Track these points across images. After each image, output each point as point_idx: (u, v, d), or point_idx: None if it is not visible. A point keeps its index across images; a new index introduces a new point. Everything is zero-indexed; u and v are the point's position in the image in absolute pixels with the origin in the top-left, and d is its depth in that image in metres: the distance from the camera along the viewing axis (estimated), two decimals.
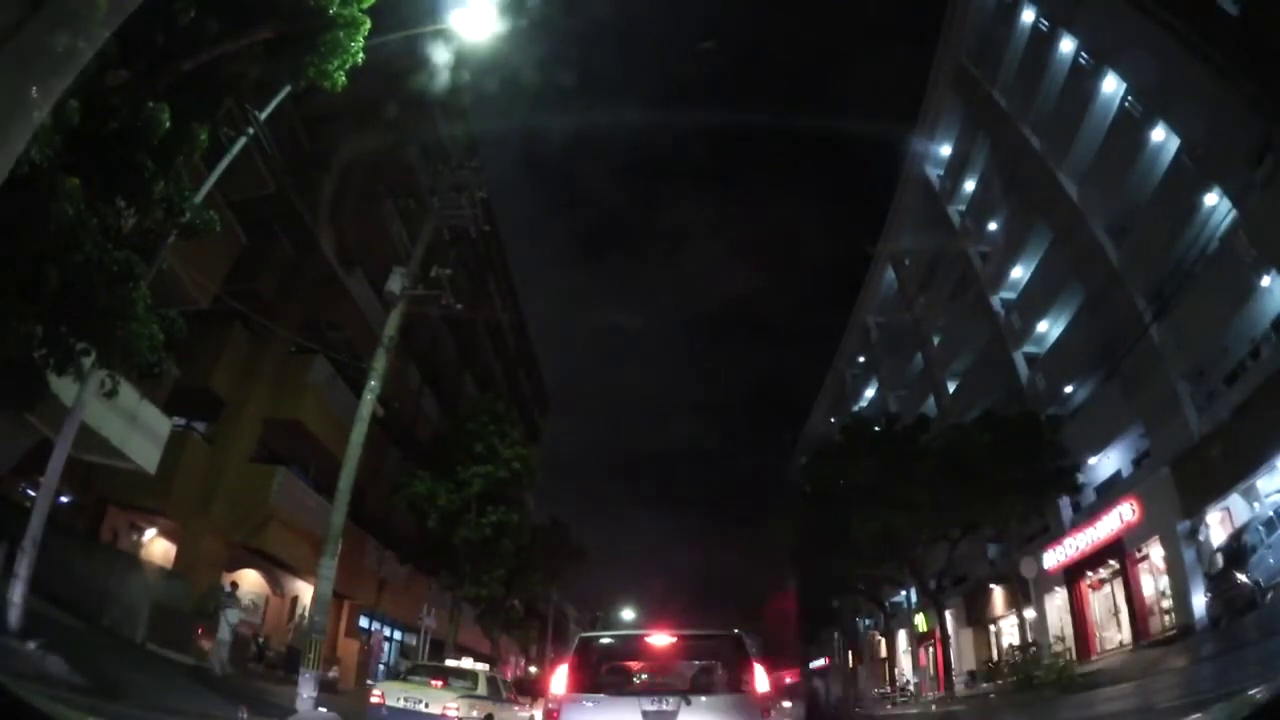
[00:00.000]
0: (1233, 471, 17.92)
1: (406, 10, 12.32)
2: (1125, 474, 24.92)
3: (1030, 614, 24.79)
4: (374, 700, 11.81)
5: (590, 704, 5.91)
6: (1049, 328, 28.82)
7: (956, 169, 36.97)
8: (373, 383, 13.96)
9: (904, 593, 34.70)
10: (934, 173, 39.88)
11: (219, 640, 14.79)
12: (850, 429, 28.45)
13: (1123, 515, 22.27)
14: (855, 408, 48.10)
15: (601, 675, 6.52)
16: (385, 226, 22.86)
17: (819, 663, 58.54)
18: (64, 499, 14.83)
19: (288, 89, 9.84)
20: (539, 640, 44.51)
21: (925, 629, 34.70)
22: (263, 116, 10.74)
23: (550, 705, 6.01)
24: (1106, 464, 25.74)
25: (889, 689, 35.57)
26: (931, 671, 34.60)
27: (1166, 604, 20.75)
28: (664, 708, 5.74)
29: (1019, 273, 30.74)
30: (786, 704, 30.00)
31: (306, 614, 17.31)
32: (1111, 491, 24.54)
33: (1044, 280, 28.60)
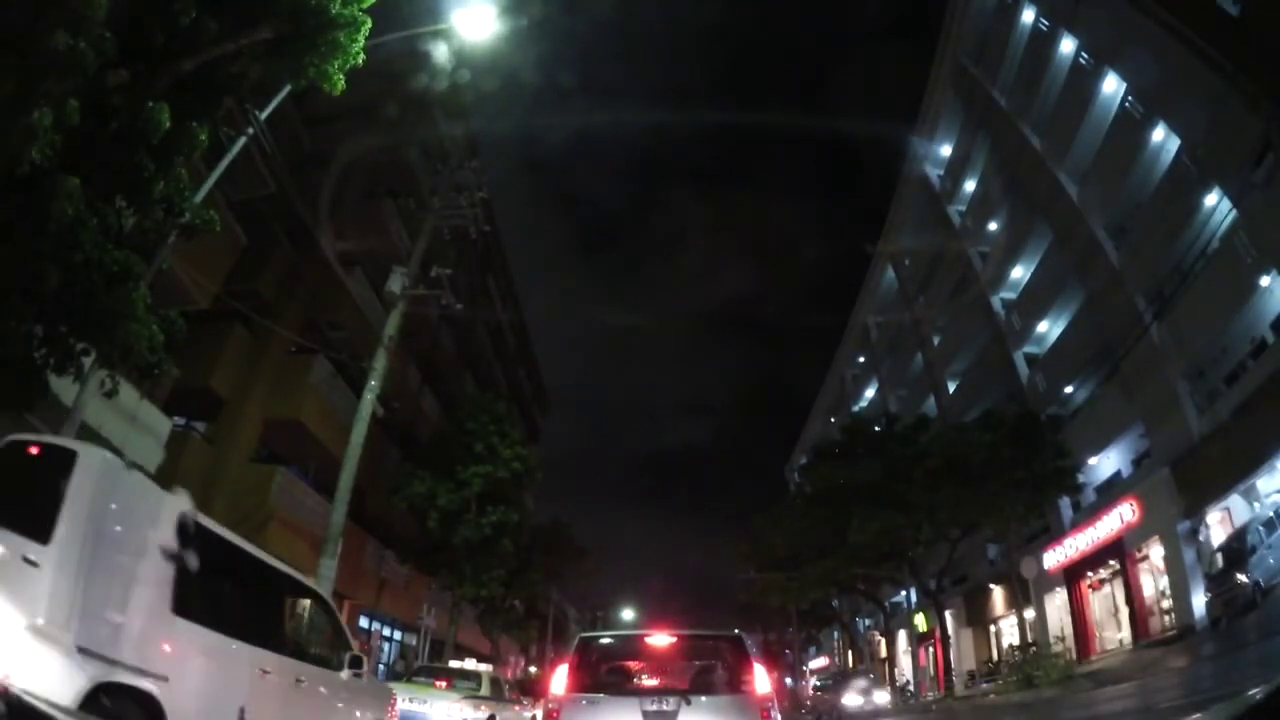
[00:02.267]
0: (1233, 471, 17.92)
1: (406, 10, 12.33)
2: (1125, 474, 24.93)
3: (1030, 614, 24.80)
4: None
5: (590, 704, 5.91)
6: (1049, 328, 28.82)
7: (956, 169, 36.96)
8: (373, 383, 13.97)
9: (904, 593, 34.71)
10: (934, 172, 39.88)
11: None
12: (850, 429, 28.46)
13: (1123, 515, 22.27)
14: (855, 408, 48.12)
15: (601, 675, 6.52)
16: (385, 226, 22.86)
17: (819, 662, 58.54)
18: None
19: (288, 89, 9.83)
20: (539, 640, 44.50)
21: (925, 629, 34.71)
22: (263, 116, 10.73)
23: (550, 705, 6.01)
24: (1106, 464, 25.75)
25: (889, 689, 35.50)
26: (931, 671, 34.63)
27: (1166, 604, 20.76)
28: (664, 708, 5.74)
29: (1019, 273, 30.75)
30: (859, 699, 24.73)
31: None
32: (1111, 491, 24.54)
33: (1044, 280, 28.60)
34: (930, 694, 32.12)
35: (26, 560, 3.84)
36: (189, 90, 7.21)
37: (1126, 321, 22.01)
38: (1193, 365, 20.76)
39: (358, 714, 6.45)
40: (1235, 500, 18.48)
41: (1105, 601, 24.58)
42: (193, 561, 4.52)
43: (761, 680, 6.09)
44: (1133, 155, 22.66)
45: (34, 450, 4.43)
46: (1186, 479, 19.73)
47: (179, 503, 4.55)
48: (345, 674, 6.29)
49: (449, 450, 23.19)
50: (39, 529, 3.92)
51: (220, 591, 5.16)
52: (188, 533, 4.53)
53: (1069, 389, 26.66)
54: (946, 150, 38.45)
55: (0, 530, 3.97)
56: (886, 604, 37.05)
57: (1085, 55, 25.19)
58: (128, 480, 4.41)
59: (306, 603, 6.51)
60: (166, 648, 4.36)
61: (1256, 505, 17.44)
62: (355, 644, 6.14)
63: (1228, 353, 19.64)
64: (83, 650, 3.77)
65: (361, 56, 7.96)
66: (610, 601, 57.20)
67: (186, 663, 4.48)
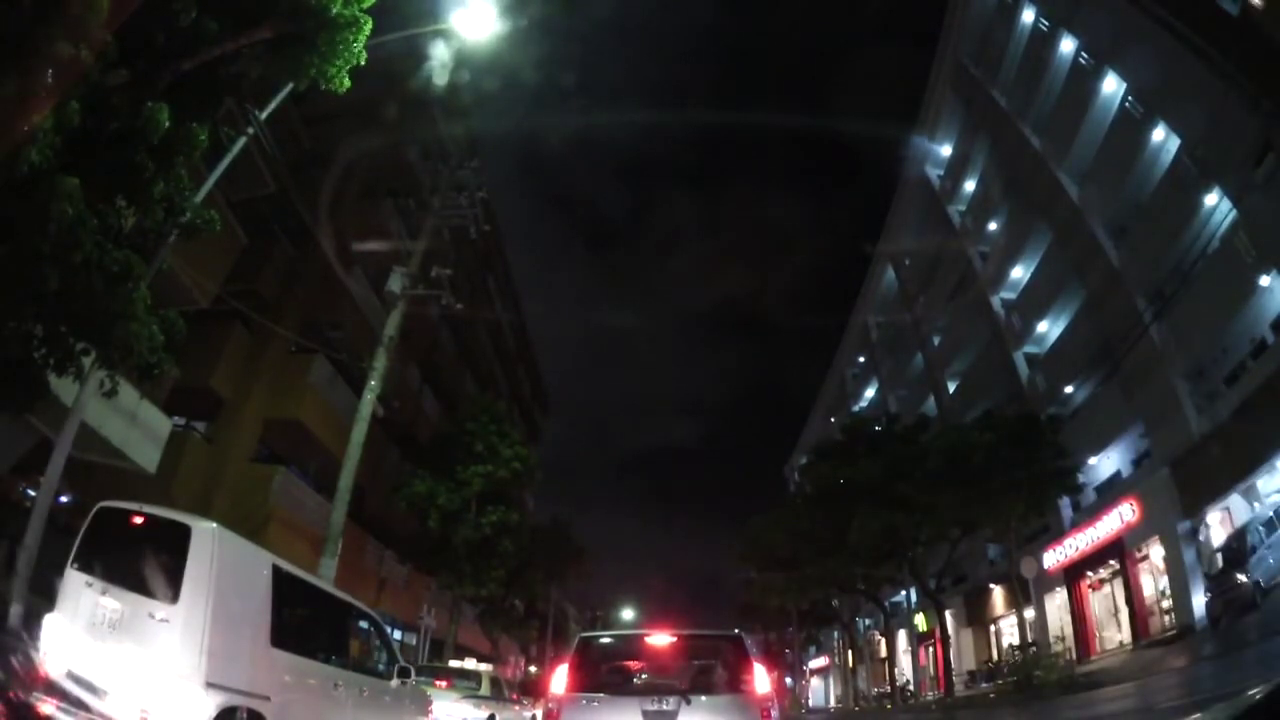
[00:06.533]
0: (1233, 471, 17.92)
1: (406, 10, 12.33)
2: (1125, 474, 24.92)
3: (1030, 614, 24.78)
4: None
5: (590, 704, 5.91)
6: (1049, 328, 28.81)
7: (956, 169, 36.95)
8: (373, 383, 13.98)
9: (904, 593, 34.69)
10: (934, 173, 39.88)
11: None
12: (851, 429, 28.45)
13: (1123, 515, 22.27)
14: (855, 408, 48.09)
15: (601, 675, 6.50)
16: (385, 226, 22.85)
17: (819, 662, 58.56)
18: (64, 499, 14.81)
19: (288, 89, 9.83)
20: (539, 640, 44.48)
21: (925, 629, 34.69)
22: (263, 116, 10.74)
23: (550, 705, 6.01)
24: (1106, 464, 25.74)
25: (888, 689, 35.49)
26: (931, 671, 34.61)
27: (1166, 604, 20.76)
28: (664, 708, 5.74)
29: (1019, 273, 30.74)
30: None
31: None
32: (1111, 491, 24.54)
33: (1044, 280, 28.58)
34: (930, 694, 32.11)
35: (157, 618, 4.89)
36: (189, 90, 7.21)
37: (1126, 321, 21.99)
38: (1193, 365, 20.75)
39: (406, 717, 8.01)
40: (1235, 500, 18.47)
41: (1105, 601, 24.57)
42: (283, 602, 5.82)
43: (761, 680, 6.09)
44: (1133, 155, 22.65)
45: (139, 519, 5.52)
46: (1186, 479, 19.72)
47: (270, 558, 5.97)
48: (395, 683, 7.64)
49: (449, 450, 23.19)
50: (167, 592, 4.98)
51: (303, 623, 6.42)
52: (278, 580, 5.88)
53: (1069, 389, 26.64)
54: (946, 150, 38.44)
55: (133, 594, 5.03)
56: (886, 604, 36.98)
57: (1085, 55, 25.18)
58: (231, 543, 5.52)
59: (364, 623, 7.77)
60: (268, 673, 5.57)
61: (1256, 505, 17.42)
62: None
63: (1228, 353, 19.63)
64: (210, 685, 4.85)
65: (362, 56, 7.96)
66: (610, 601, 57.26)
67: (282, 684, 5.72)
